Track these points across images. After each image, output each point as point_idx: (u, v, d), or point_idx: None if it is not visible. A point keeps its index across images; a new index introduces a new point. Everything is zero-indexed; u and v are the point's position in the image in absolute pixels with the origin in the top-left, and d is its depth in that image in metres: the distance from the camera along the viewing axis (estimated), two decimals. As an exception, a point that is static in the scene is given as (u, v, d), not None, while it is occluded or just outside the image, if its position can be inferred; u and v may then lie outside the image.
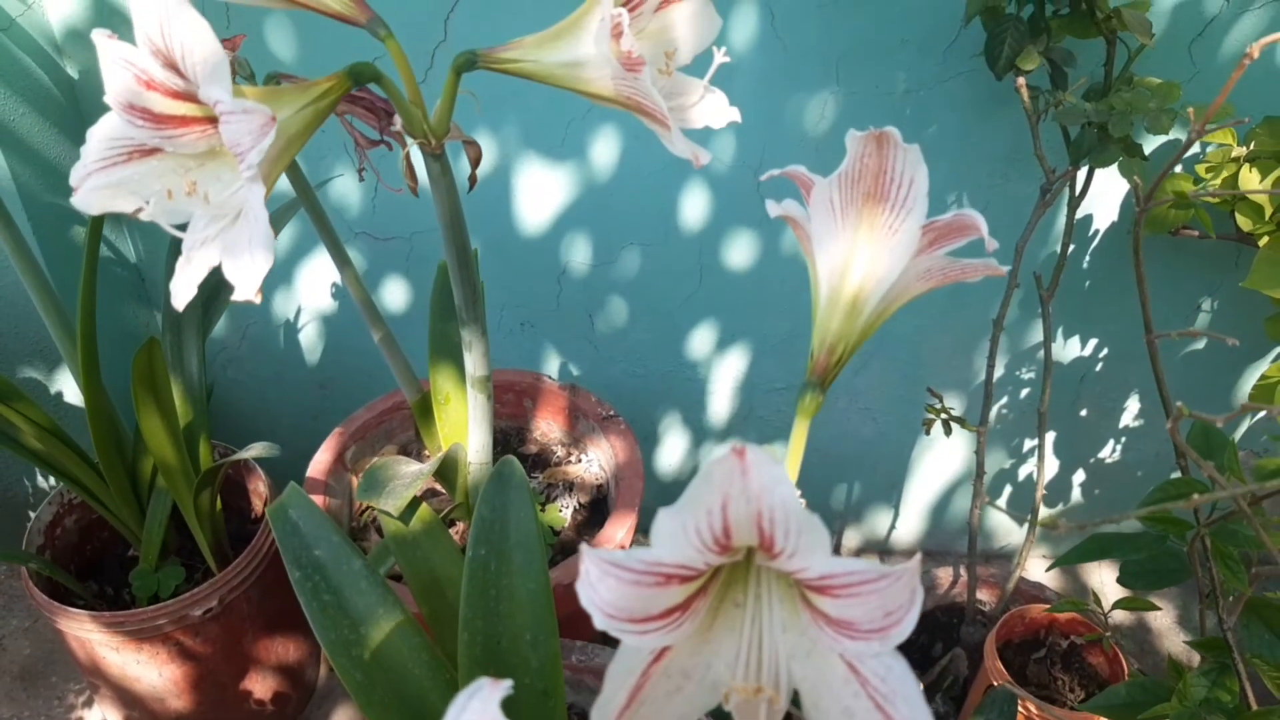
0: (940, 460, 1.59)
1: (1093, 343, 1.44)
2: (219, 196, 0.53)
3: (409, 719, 0.68)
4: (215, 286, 1.12)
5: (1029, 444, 1.55)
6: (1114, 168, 1.18)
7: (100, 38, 0.50)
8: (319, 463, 1.07)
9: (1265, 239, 1.07)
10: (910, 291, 0.53)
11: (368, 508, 1.09)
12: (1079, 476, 1.59)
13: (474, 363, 0.85)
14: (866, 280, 0.51)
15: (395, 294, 1.44)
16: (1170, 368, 1.41)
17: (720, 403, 1.56)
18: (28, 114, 1.24)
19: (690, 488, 0.33)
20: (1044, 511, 1.58)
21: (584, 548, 0.35)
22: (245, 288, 0.48)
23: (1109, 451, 1.55)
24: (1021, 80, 1.05)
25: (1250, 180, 1.08)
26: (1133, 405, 1.50)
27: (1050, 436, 1.52)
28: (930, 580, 1.43)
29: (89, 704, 1.32)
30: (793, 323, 1.46)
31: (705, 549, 0.35)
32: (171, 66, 0.49)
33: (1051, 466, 1.57)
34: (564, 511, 1.12)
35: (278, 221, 1.25)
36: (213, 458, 1.12)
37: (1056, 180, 1.09)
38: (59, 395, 1.40)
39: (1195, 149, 1.25)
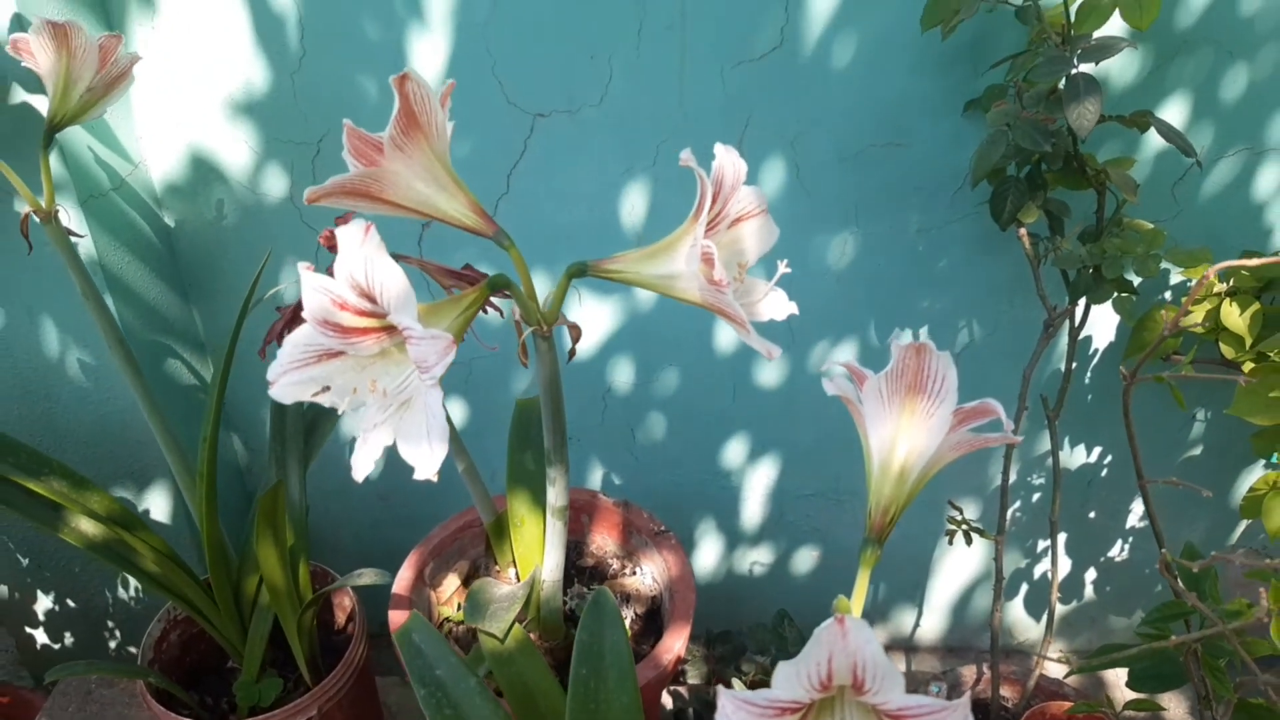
0: (960, 561, 1.70)
1: (1097, 450, 1.57)
2: (390, 387, 0.67)
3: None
4: (314, 419, 1.25)
5: (1043, 544, 1.66)
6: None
7: (304, 270, 0.65)
8: (402, 579, 1.20)
9: (1247, 366, 1.21)
10: (944, 460, 0.66)
11: (445, 619, 1.21)
12: (1091, 574, 1.70)
13: (556, 495, 0.98)
14: (910, 454, 0.64)
15: (455, 414, 1.58)
16: (1170, 470, 1.54)
17: (753, 508, 1.69)
18: (132, 261, 1.39)
19: (806, 647, 0.46)
20: (1059, 609, 1.69)
21: (721, 689, 0.48)
22: (425, 470, 0.62)
23: (1118, 550, 1.66)
24: (1023, 231, 1.20)
25: (1230, 314, 1.21)
26: (1138, 508, 1.62)
27: (1062, 539, 1.64)
28: (955, 678, 1.53)
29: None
30: (818, 433, 1.59)
31: (813, 689, 0.47)
32: (365, 296, 0.63)
33: (1065, 566, 1.68)
34: (623, 621, 1.23)
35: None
36: (310, 575, 1.24)
37: (1057, 316, 1.24)
38: (146, 512, 1.53)
39: (1180, 277, 1.40)
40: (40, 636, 1.72)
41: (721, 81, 1.29)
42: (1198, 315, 1.25)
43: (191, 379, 1.51)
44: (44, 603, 1.67)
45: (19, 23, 1.16)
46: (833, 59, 1.26)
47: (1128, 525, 1.64)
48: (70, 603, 1.66)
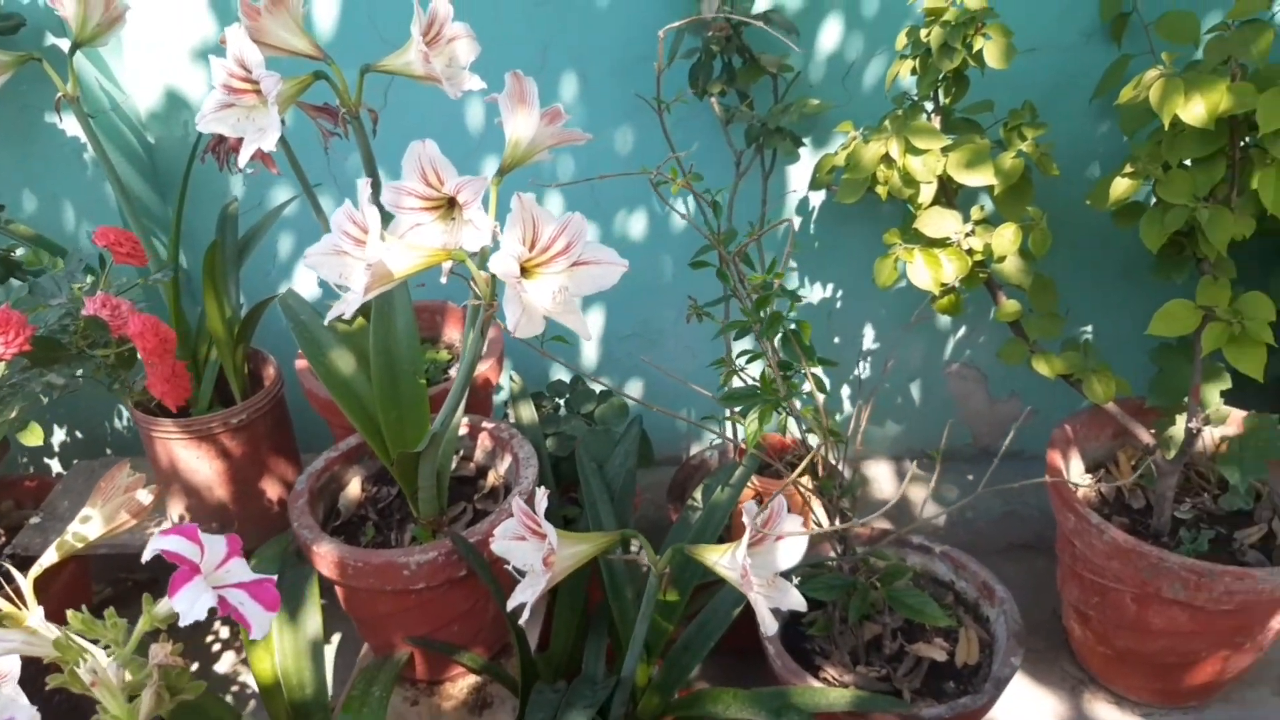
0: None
1: (830, 286, 2.21)
2: (257, 122, 1.33)
3: (347, 393, 1.44)
4: (247, 243, 1.91)
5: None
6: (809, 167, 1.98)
7: (215, 59, 1.31)
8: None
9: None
10: (545, 143, 1.31)
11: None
12: (845, 391, 2.33)
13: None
14: (523, 134, 1.29)
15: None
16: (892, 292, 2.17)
17: (589, 353, 2.32)
18: (126, 166, 2.06)
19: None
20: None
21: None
22: (267, 145, 1.26)
23: (860, 370, 2.30)
24: (713, 99, 1.86)
25: (862, 150, 1.87)
26: (869, 332, 2.25)
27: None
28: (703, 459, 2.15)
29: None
30: (624, 282, 2.23)
31: (421, 183, 1.12)
32: (242, 65, 1.29)
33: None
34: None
35: (270, 220, 2.05)
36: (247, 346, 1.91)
37: (742, 156, 1.90)
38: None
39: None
40: (55, 466, 2.36)
41: (527, 19, 1.97)
42: (841, 157, 1.90)
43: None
44: (59, 436, 2.32)
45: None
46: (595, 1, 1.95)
47: (864, 347, 2.27)
48: (79, 434, 2.31)
